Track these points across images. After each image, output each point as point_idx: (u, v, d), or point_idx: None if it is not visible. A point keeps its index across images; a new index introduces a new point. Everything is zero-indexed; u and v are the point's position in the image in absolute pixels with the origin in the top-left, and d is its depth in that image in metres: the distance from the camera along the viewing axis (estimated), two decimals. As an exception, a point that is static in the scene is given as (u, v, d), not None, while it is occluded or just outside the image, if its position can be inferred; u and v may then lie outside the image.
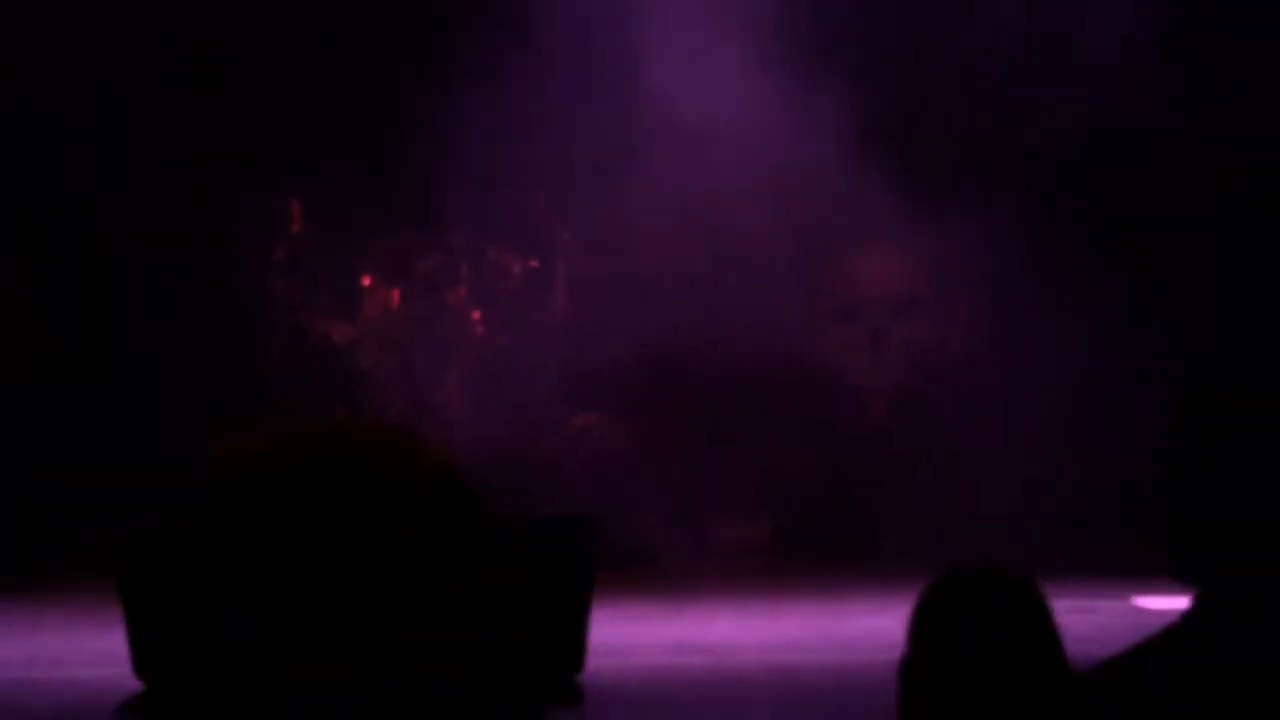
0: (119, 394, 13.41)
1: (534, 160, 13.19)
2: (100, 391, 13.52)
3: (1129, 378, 12.13)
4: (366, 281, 14.36)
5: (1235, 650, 2.00)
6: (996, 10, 13.44)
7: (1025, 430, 12.78)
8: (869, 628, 9.59)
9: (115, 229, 13.94)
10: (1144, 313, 12.85)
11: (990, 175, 13.58)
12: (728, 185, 13.15)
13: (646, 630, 9.94)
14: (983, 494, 12.20)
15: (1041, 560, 5.86)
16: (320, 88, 13.82)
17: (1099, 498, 12.31)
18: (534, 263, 14.46)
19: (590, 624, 8.37)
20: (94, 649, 8.98)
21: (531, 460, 13.09)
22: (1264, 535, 2.00)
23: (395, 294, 14.37)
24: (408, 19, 13.79)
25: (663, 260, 13.13)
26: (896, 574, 8.60)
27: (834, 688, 8.31)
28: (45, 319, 14.02)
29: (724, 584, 11.67)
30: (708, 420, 13.63)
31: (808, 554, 12.99)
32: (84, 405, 13.49)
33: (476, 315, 14.40)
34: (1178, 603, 2.04)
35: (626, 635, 9.46)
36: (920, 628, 2.43)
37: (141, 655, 7.55)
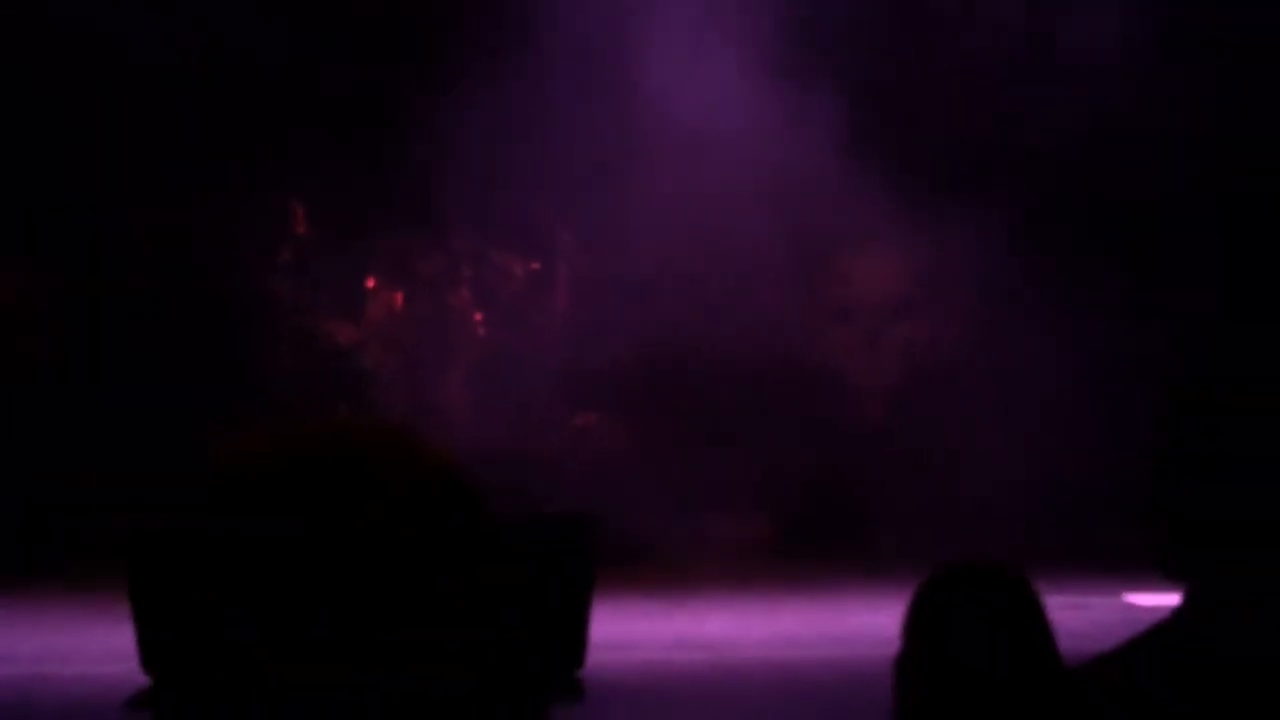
0: (126, 394, 13.34)
1: (535, 163, 13.17)
2: (107, 392, 13.46)
3: (1120, 377, 12.08)
4: (370, 283, 14.37)
5: (1225, 646, 2.00)
6: (992, 12, 13.44)
7: (1019, 429, 12.75)
8: (865, 624, 9.53)
9: (121, 230, 13.89)
10: (1137, 313, 12.83)
11: (986, 176, 13.53)
12: (726, 188, 13.12)
13: (647, 626, 9.96)
14: (977, 492, 12.16)
15: (1035, 557, 5.95)
16: (325, 91, 13.76)
17: (1091, 496, 12.26)
18: (535, 265, 14.44)
19: (591, 620, 8.43)
20: (102, 645, 9.00)
21: (533, 459, 13.06)
22: (1258, 534, 2.00)
23: (399, 295, 14.35)
24: (412, 25, 13.73)
25: (662, 262, 13.09)
26: (892, 571, 8.67)
27: (831, 683, 8.32)
28: (53, 320, 14.00)
29: (723, 581, 11.65)
30: (707, 419, 13.61)
31: (805, 551, 12.97)
32: (91, 406, 13.44)
33: (479, 316, 14.38)
34: (1168, 600, 2.04)
35: (627, 631, 9.49)
36: (915, 624, 2.48)
37: (148, 651, 7.67)
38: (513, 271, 14.47)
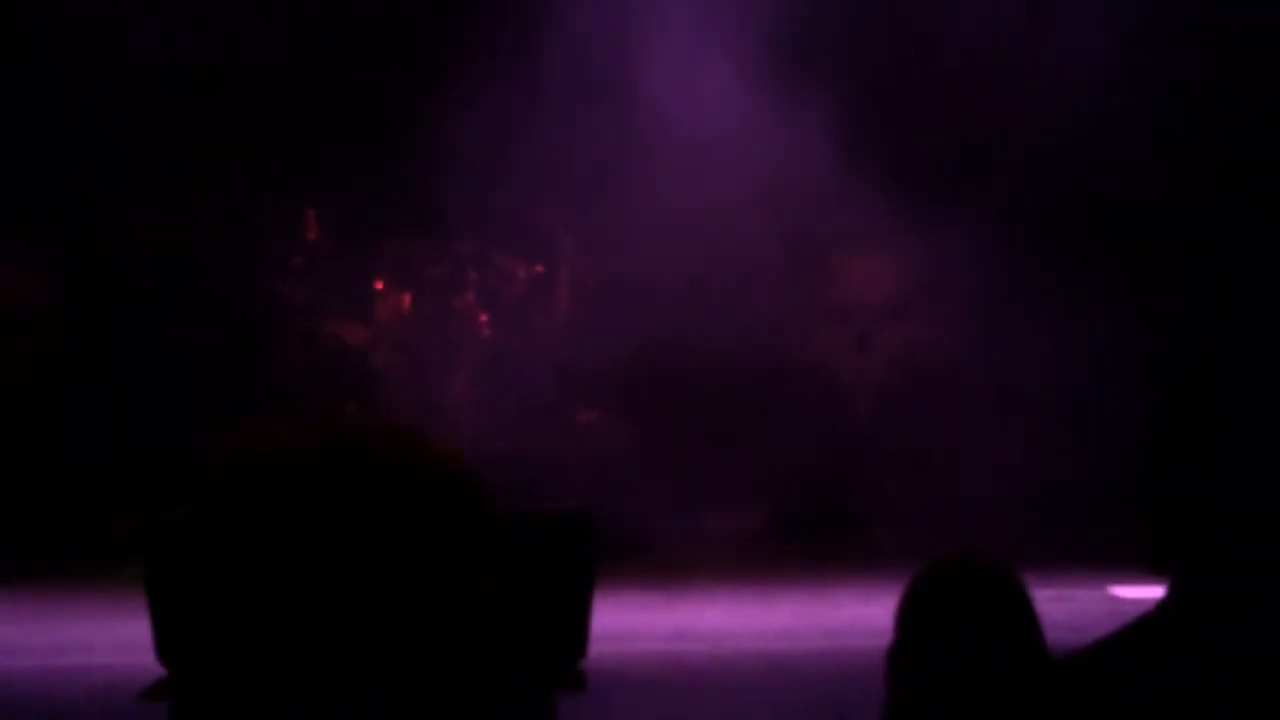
0: (141, 395, 13.31)
1: (537, 167, 13.15)
2: (123, 392, 13.47)
3: (1112, 377, 12.06)
4: (379, 286, 14.40)
5: (1210, 641, 2.01)
6: (989, 14, 13.32)
7: (1013, 429, 12.74)
8: (858, 616, 9.74)
9: (130, 232, 13.87)
10: (1126, 314, 12.78)
11: (983, 177, 13.41)
12: (725, 190, 13.14)
13: (647, 618, 10.00)
14: (970, 490, 12.15)
15: (1023, 552, 6.13)
16: (332, 95, 13.72)
17: (1080, 493, 12.24)
18: (539, 268, 14.45)
19: (592, 612, 8.47)
20: (120, 636, 9.08)
21: (536, 457, 13.05)
22: (1248, 532, 2.01)
23: (405, 298, 14.35)
24: (418, 31, 13.71)
25: (662, 265, 13.05)
26: (885, 565, 8.82)
27: (825, 673, 8.38)
28: (68, 321, 14.00)
29: (721, 574, 11.67)
30: (706, 418, 13.59)
31: (800, 546, 12.97)
32: (107, 405, 13.44)
33: (484, 319, 14.41)
34: (1152, 592, 2.06)
35: (628, 623, 9.59)
36: (907, 616, 2.58)
37: (165, 643, 7.59)
38: (516, 274, 14.49)
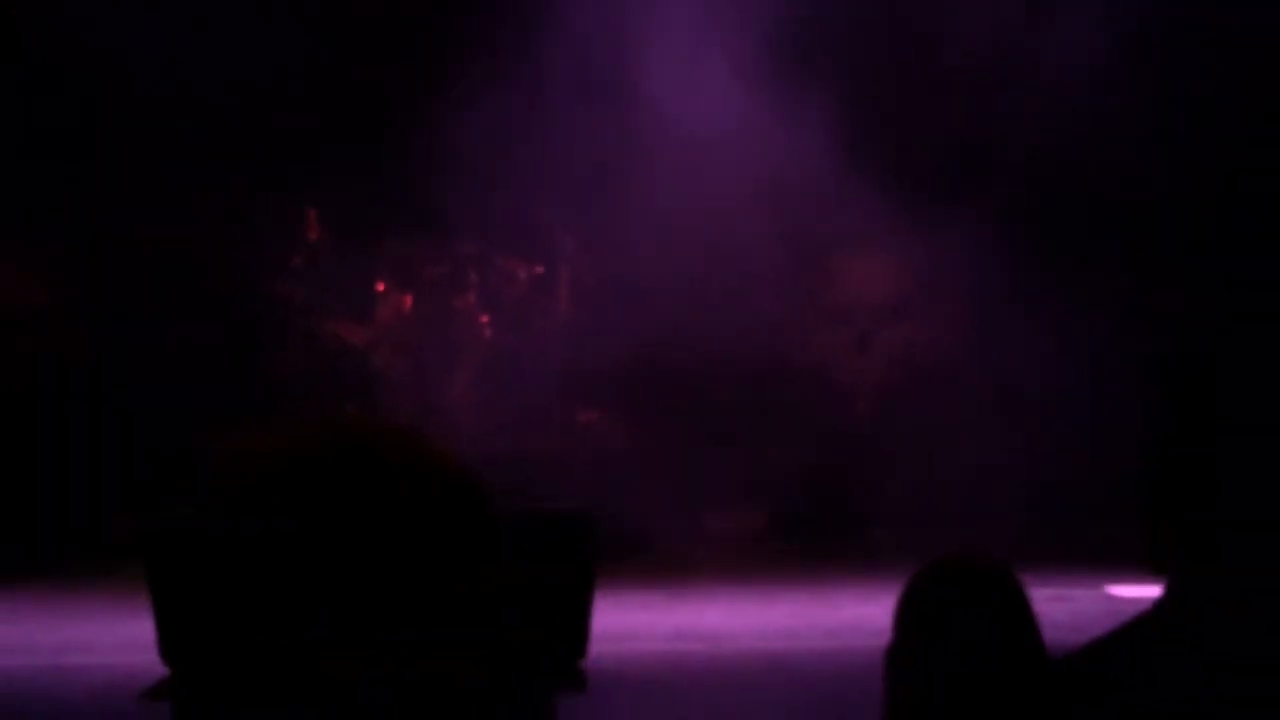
0: (143, 395, 13.36)
1: (538, 168, 13.16)
2: (125, 393, 13.51)
3: (1109, 377, 12.05)
4: (380, 287, 14.43)
5: (1209, 641, 2.00)
6: (987, 14, 13.32)
7: (1012, 428, 12.75)
8: (857, 616, 9.74)
9: (133, 233, 13.89)
10: (1126, 314, 12.79)
11: (982, 177, 13.41)
12: (724, 192, 13.15)
13: (647, 618, 10.02)
14: (969, 490, 12.17)
15: (1022, 551, 6.14)
16: (335, 97, 13.70)
17: (1078, 493, 12.26)
18: (539, 269, 14.47)
19: (593, 612, 8.54)
20: (120, 636, 9.17)
21: (536, 457, 13.08)
22: (1250, 532, 2.00)
23: (407, 299, 14.39)
24: (415, 33, 13.70)
25: (662, 265, 13.06)
26: (883, 565, 8.83)
27: (824, 672, 8.38)
28: (68, 322, 14.02)
29: (721, 575, 11.69)
30: (706, 419, 13.61)
31: (800, 546, 12.99)
32: (109, 404, 13.50)
33: (484, 319, 14.45)
34: (1150, 592, 2.04)
35: (628, 622, 9.61)
36: (905, 615, 2.59)
37: (168, 642, 7.77)
38: (516, 274, 14.52)
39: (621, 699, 8.19)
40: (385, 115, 13.77)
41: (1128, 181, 13.39)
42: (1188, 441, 2.05)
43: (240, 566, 1.79)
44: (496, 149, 12.99)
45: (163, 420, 12.89)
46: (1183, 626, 2.03)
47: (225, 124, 13.59)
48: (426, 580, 1.80)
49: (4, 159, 13.63)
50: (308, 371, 14.03)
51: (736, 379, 13.77)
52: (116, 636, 9.32)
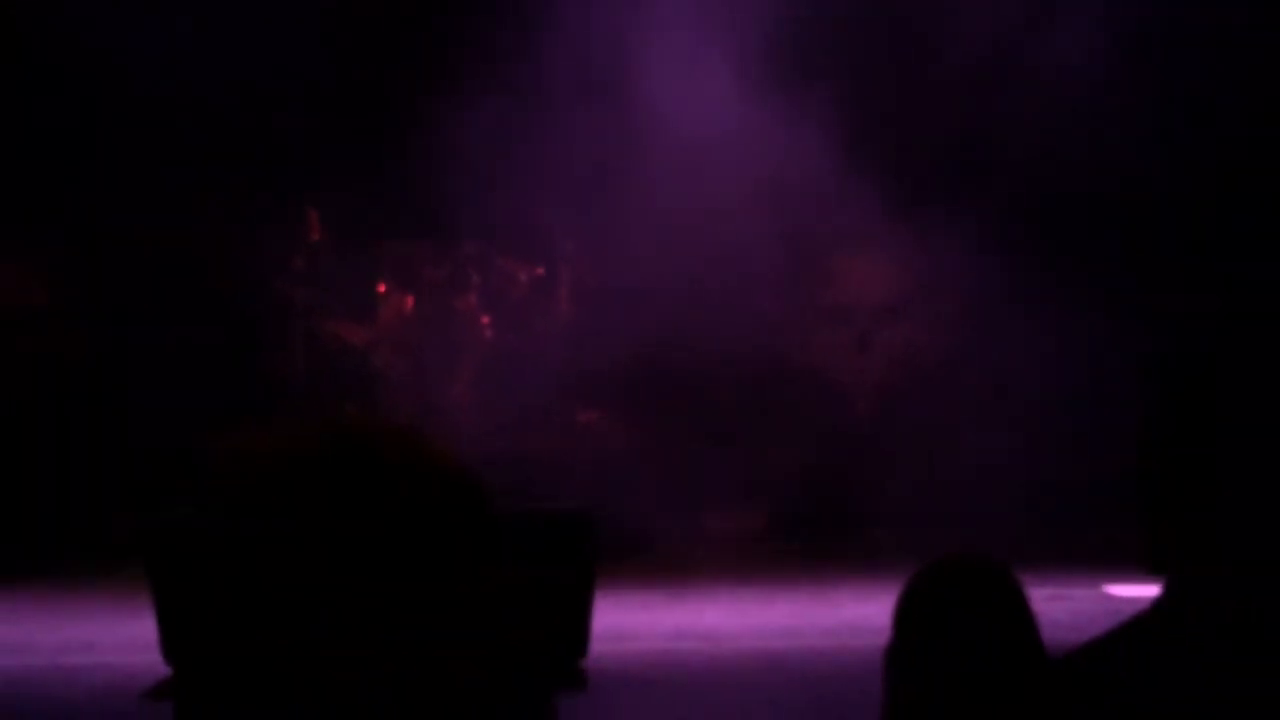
0: (144, 395, 13.39)
1: (538, 168, 13.17)
2: (126, 393, 13.52)
3: (1109, 377, 12.05)
4: (382, 288, 14.43)
5: (1208, 641, 2.00)
6: (986, 14, 13.33)
7: (1012, 428, 12.77)
8: (857, 615, 9.76)
9: (134, 233, 13.89)
10: (1126, 314, 12.77)
11: (981, 178, 13.43)
12: (724, 192, 13.15)
13: (647, 617, 10.03)
14: (968, 490, 12.18)
15: (1022, 551, 6.14)
16: (337, 98, 13.71)
17: (1077, 493, 12.25)
18: (539, 269, 14.50)
19: (593, 611, 8.56)
20: (121, 636, 9.20)
21: (537, 457, 13.10)
22: (1250, 532, 2.00)
23: (408, 300, 14.41)
24: (415, 33, 13.69)
25: (662, 265, 13.07)
26: (883, 565, 8.83)
27: (824, 672, 8.39)
28: (75, 321, 14.02)
29: (720, 573, 11.70)
30: (706, 419, 13.63)
31: (800, 546, 13.01)
32: (109, 404, 13.50)
33: (485, 320, 14.47)
34: (1147, 591, 2.03)
35: (628, 622, 9.65)
36: (905, 615, 2.60)
37: (170, 641, 7.73)
38: (516, 275, 14.54)
39: (622, 698, 8.19)
40: (385, 115, 13.76)
41: (1128, 181, 13.39)
42: (1188, 441, 2.04)
43: (240, 566, 1.79)
44: (496, 149, 13.00)
45: (163, 420, 12.89)
46: (1182, 626, 2.03)
47: (225, 124, 13.60)
48: (427, 580, 1.80)
49: (4, 159, 13.64)
50: (308, 372, 14.04)
51: (736, 379, 13.78)
52: (116, 636, 9.33)
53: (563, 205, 13.72)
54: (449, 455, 1.90)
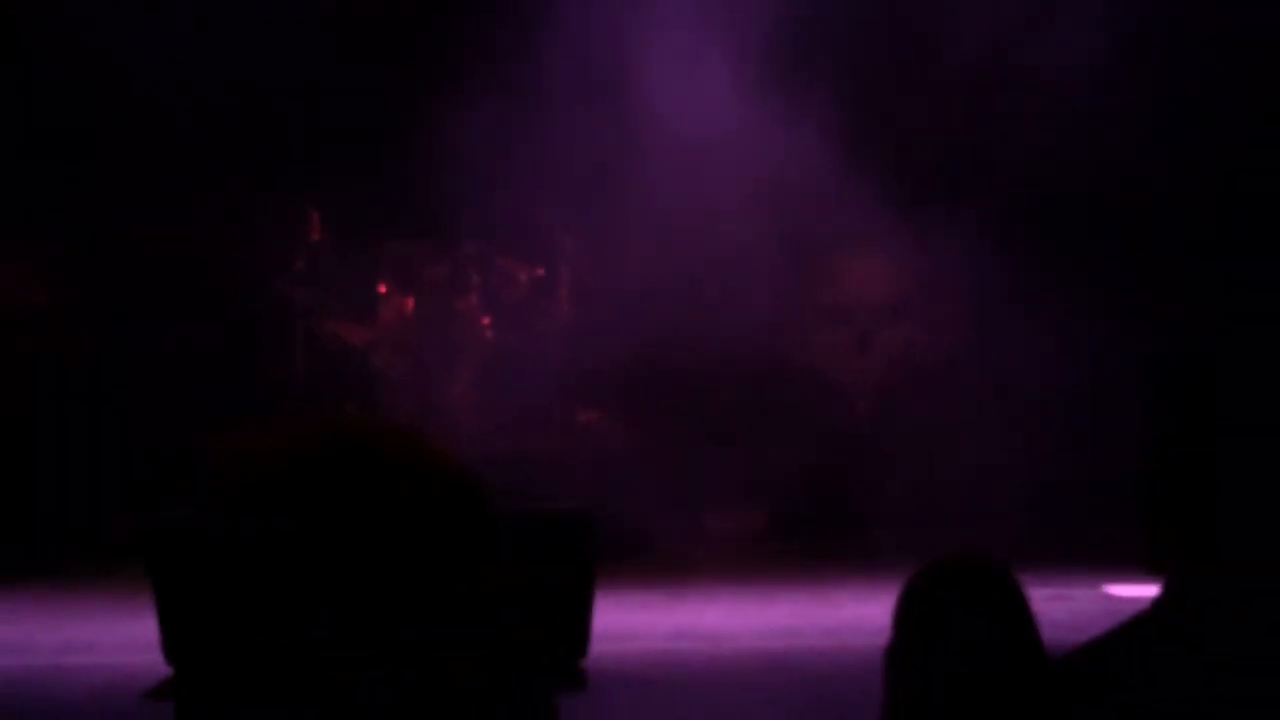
0: (145, 394, 13.40)
1: (538, 168, 13.16)
2: (126, 392, 13.52)
3: (1109, 378, 12.05)
4: (382, 289, 14.43)
5: (1209, 642, 2.00)
6: (986, 16, 13.31)
7: (1008, 428, 12.76)
8: (857, 615, 9.76)
9: (134, 233, 13.89)
10: (1126, 314, 12.73)
11: (980, 179, 13.43)
12: (724, 192, 13.16)
13: (647, 617, 10.03)
14: (968, 490, 12.17)
15: (1022, 551, 6.14)
16: (338, 99, 13.72)
17: (1077, 493, 12.25)
18: (539, 270, 14.51)
19: (594, 611, 8.57)
20: (121, 636, 9.20)
21: (537, 457, 13.11)
22: (1250, 532, 2.00)
23: (409, 300, 14.41)
24: (415, 33, 13.69)
25: (662, 266, 13.07)
26: (883, 565, 8.83)
27: (824, 672, 8.39)
28: (75, 321, 14.02)
29: (720, 574, 11.71)
30: (705, 418, 13.64)
31: (800, 546, 13.01)
32: (109, 404, 13.50)
33: (485, 320, 14.48)
34: (1147, 591, 2.04)
35: (628, 622, 9.63)
36: (905, 615, 2.59)
37: (171, 641, 7.73)
38: (516, 275, 14.55)
39: (622, 698, 8.20)
40: (385, 115, 13.77)
41: (1128, 181, 13.38)
42: (1188, 441, 2.04)
43: (241, 566, 1.78)
44: (496, 149, 13.00)
45: (163, 420, 12.90)
46: (1181, 626, 2.03)
47: (225, 124, 13.59)
48: (427, 580, 1.80)
49: (4, 159, 13.64)
50: (309, 372, 14.04)
51: (736, 379, 13.79)
52: (116, 636, 9.34)
53: (563, 205, 13.73)
54: (449, 455, 1.90)
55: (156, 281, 13.89)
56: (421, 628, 1.75)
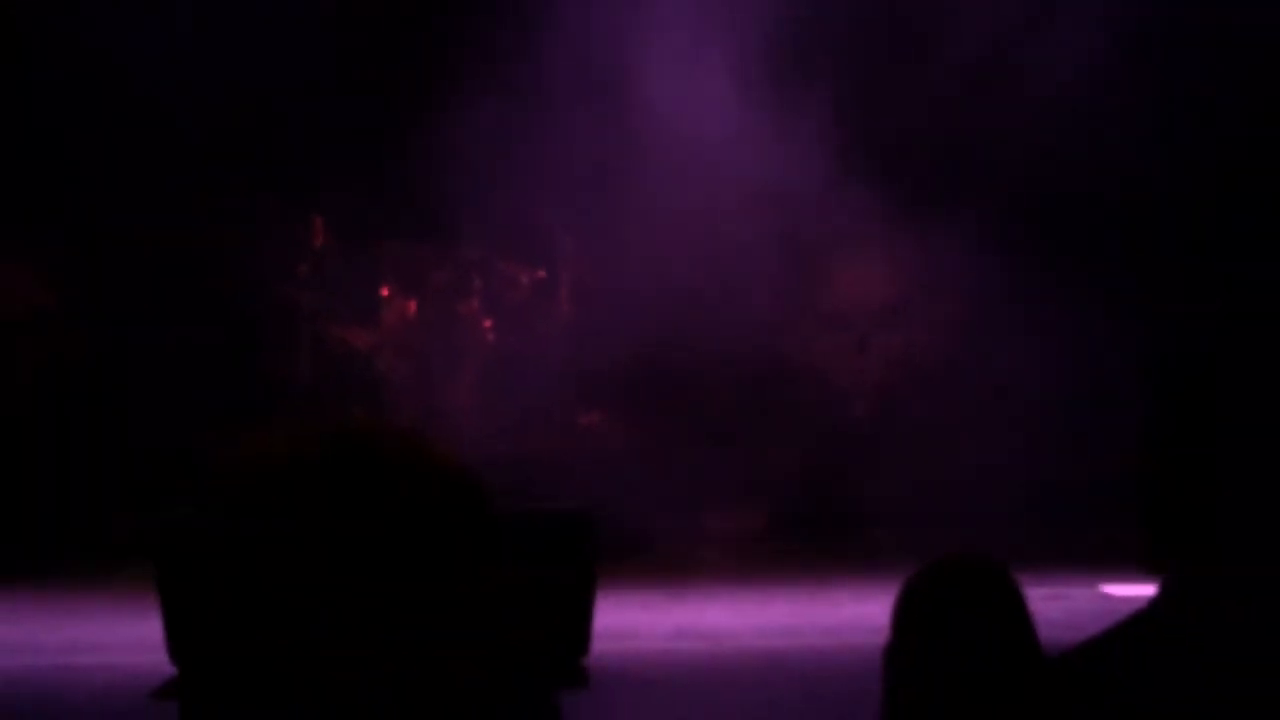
0: (150, 396, 13.44)
1: (538, 169, 13.19)
2: (131, 393, 13.55)
3: (1109, 377, 12.07)
4: (385, 292, 14.46)
5: (1208, 641, 2.00)
6: (986, 16, 13.37)
7: (1008, 428, 12.80)
8: (856, 614, 9.80)
9: (134, 234, 13.89)
10: (1126, 314, 12.75)
11: (979, 180, 13.50)
12: (724, 193, 13.19)
13: (648, 617, 10.07)
14: (966, 490, 12.21)
15: (1021, 551, 6.15)
16: (340, 101, 13.73)
17: (1076, 493, 12.33)
18: (540, 273, 14.54)
19: (595, 610, 8.60)
20: (122, 636, 9.22)
21: (537, 458, 13.13)
22: (1250, 532, 1.99)
23: (412, 304, 14.44)
24: (415, 33, 13.71)
25: (662, 267, 13.11)
26: (883, 565, 8.85)
27: (824, 671, 8.42)
28: (75, 321, 14.04)
29: (721, 573, 11.76)
30: (705, 418, 13.66)
31: (798, 545, 13.03)
32: (109, 404, 13.52)
33: (487, 324, 14.51)
34: (1144, 590, 2.04)
35: (629, 621, 9.67)
36: (903, 614, 2.58)
37: (176, 642, 7.78)
38: (518, 277, 14.58)
39: (623, 696, 8.24)
40: (385, 115, 13.78)
41: (1128, 181, 13.40)
42: (1188, 441, 2.04)
43: (242, 567, 1.79)
44: (496, 149, 13.02)
45: (163, 420, 12.91)
46: (1180, 626, 2.02)
47: (225, 124, 13.60)
48: (427, 580, 1.80)
49: (4, 159, 13.64)
50: (314, 375, 14.06)
51: (736, 379, 13.81)
52: (117, 636, 9.36)
53: (563, 206, 13.74)
54: (449, 456, 1.91)
55: (157, 282, 13.89)
56: (423, 627, 1.76)
